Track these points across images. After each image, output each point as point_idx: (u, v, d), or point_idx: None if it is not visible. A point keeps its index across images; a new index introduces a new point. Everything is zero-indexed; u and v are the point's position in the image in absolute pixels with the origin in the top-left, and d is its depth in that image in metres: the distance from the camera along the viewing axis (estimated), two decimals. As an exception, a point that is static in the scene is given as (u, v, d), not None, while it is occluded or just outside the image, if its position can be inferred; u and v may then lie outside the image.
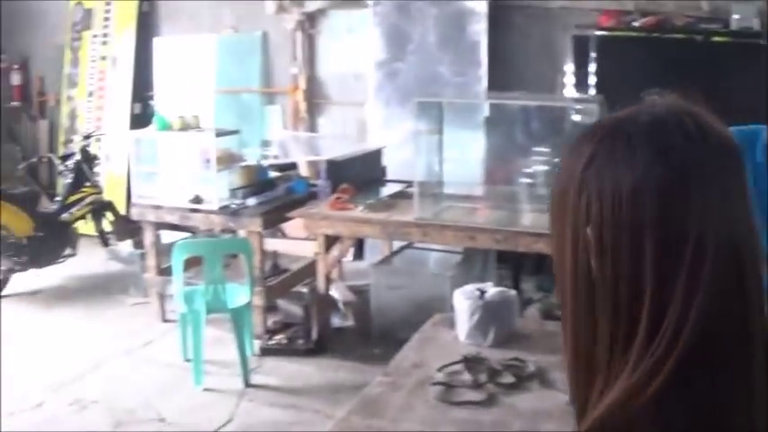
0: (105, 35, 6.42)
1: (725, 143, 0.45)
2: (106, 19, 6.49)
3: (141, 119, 6.14)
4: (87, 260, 5.41)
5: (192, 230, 5.13)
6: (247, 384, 3.42)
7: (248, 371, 3.44)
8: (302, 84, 5.59)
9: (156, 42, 6.32)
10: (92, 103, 6.47)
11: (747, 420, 0.42)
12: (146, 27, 6.35)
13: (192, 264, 3.73)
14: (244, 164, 4.44)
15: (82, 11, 6.49)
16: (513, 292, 2.27)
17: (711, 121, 0.46)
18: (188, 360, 3.49)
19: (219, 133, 4.32)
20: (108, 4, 6.55)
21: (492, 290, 2.16)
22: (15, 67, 6.75)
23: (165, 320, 4.22)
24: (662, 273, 0.41)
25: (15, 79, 6.76)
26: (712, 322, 0.41)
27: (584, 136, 0.44)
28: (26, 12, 7.05)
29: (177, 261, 3.42)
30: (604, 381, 0.42)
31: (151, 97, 6.27)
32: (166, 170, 4.42)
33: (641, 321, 0.41)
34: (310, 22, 5.37)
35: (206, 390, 3.38)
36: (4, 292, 5.00)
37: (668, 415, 0.41)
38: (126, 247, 5.26)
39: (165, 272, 4.03)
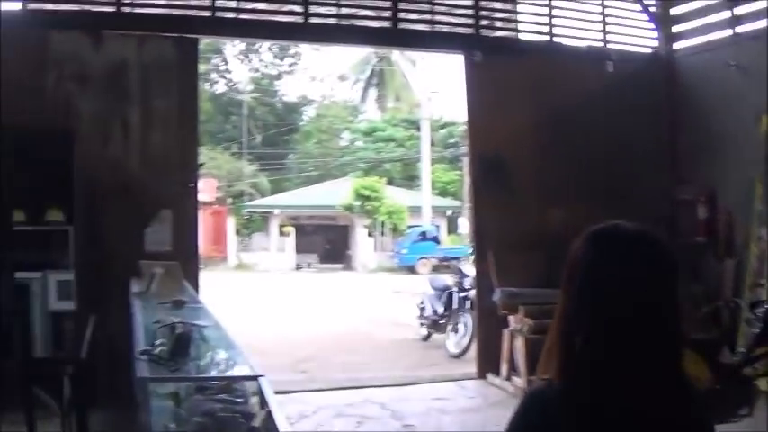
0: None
1: (636, 248, 1.96)
2: None
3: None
4: (763, 422, 7.37)
5: None
6: None
7: None
8: None
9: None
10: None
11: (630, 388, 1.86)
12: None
13: None
14: None
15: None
16: None
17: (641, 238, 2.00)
18: None
19: None
20: None
21: None
22: (701, 200, 10.35)
23: None
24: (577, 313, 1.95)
25: (701, 213, 10.37)
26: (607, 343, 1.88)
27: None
28: (713, 142, 10.30)
29: None
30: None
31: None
32: None
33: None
34: None
35: None
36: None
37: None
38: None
39: None
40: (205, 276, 22.98)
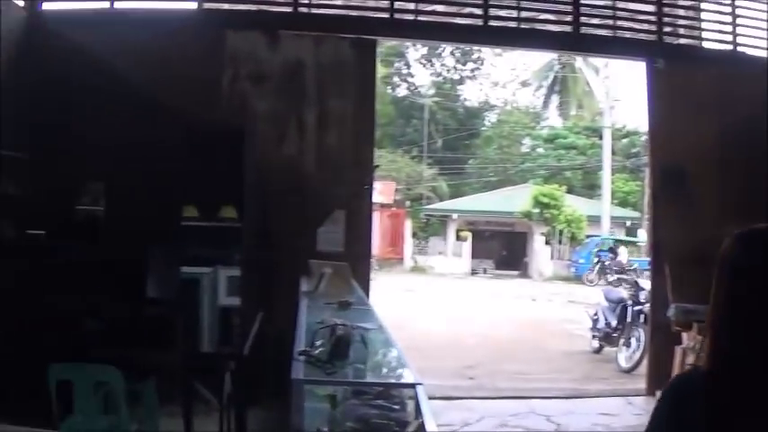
0: None
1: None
2: None
3: None
4: None
5: None
6: None
7: None
8: None
9: None
10: None
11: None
12: None
13: None
14: None
15: None
16: None
17: None
18: None
19: None
20: None
21: None
22: None
23: None
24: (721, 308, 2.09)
25: None
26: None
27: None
28: None
29: None
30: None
31: None
32: None
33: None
34: None
35: None
36: None
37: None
38: None
39: None
40: (380, 278, 23.21)
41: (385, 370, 4.66)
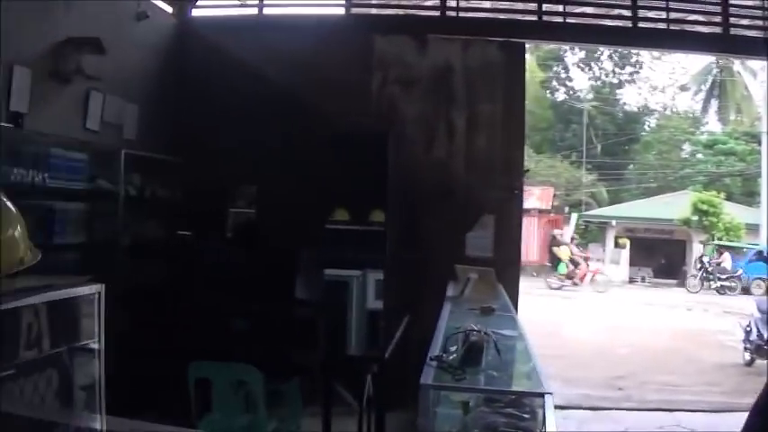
0: None
1: None
2: None
3: None
4: None
5: None
6: None
7: None
8: None
9: None
10: None
11: None
12: None
13: None
14: None
15: None
16: None
17: None
18: None
19: None
20: None
21: None
22: None
23: None
24: None
25: None
26: None
27: None
28: None
29: None
30: None
31: None
32: None
33: None
34: None
35: None
36: None
37: None
38: None
39: None
40: (537, 284, 23.00)
41: (517, 378, 4.56)
